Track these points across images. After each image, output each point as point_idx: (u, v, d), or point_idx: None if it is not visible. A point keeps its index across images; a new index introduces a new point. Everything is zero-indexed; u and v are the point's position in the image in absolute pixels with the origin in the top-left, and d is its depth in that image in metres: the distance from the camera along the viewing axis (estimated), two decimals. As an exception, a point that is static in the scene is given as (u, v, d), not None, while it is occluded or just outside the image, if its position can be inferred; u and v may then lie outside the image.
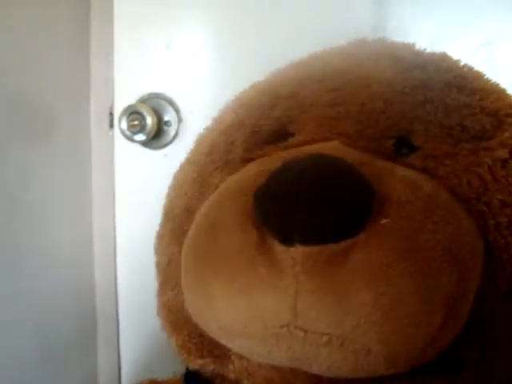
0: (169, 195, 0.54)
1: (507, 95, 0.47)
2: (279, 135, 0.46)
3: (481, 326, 0.39)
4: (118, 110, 0.82)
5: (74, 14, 0.84)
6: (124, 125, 0.78)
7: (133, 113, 0.77)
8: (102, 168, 0.86)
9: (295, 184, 0.34)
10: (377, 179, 0.36)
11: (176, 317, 0.49)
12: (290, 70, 0.52)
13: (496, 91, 0.47)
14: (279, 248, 0.34)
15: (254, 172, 0.41)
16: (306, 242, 0.33)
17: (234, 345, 0.41)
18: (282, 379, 0.45)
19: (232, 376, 0.48)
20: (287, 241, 0.34)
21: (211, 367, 0.49)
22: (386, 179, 0.37)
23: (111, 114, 0.85)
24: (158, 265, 0.53)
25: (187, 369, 0.53)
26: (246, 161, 0.46)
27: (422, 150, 0.42)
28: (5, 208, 0.72)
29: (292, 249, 0.34)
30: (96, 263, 0.88)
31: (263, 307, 0.35)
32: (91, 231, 0.88)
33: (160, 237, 0.53)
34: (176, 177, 0.54)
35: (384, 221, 0.35)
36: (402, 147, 0.42)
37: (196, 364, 0.50)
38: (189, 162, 0.53)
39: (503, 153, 0.41)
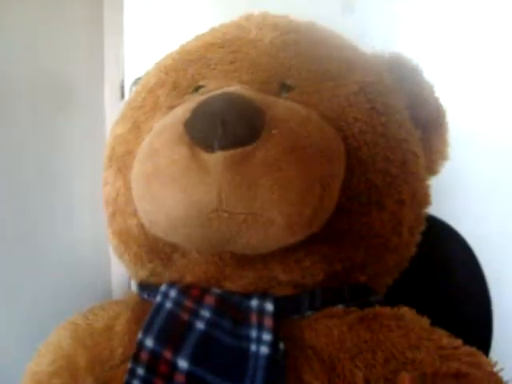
0: (109, 145, 0.65)
1: (355, 47, 0.64)
2: (194, 88, 0.60)
3: (348, 205, 0.54)
4: (129, 82, 0.95)
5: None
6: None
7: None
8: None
9: (213, 110, 0.48)
10: (267, 106, 0.50)
11: (127, 236, 0.61)
12: (195, 41, 0.67)
13: (349, 46, 0.64)
14: (205, 156, 0.46)
15: (181, 111, 0.53)
16: (223, 147, 0.46)
17: (179, 235, 0.52)
18: (215, 269, 0.57)
19: (176, 275, 0.59)
20: (211, 148, 0.46)
21: (159, 269, 0.61)
22: (273, 106, 0.51)
23: (122, 87, 0.99)
24: (106, 201, 0.64)
25: (139, 282, 0.66)
26: (171, 108, 0.58)
27: (297, 89, 0.57)
28: (37, 162, 0.89)
29: (214, 154, 0.46)
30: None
31: (198, 198, 0.47)
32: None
33: (106, 178, 0.64)
34: (113, 129, 0.66)
35: (274, 131, 0.48)
36: (283, 88, 0.57)
37: (147, 269, 0.62)
38: (123, 117, 0.66)
39: (355, 87, 0.57)
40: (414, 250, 0.62)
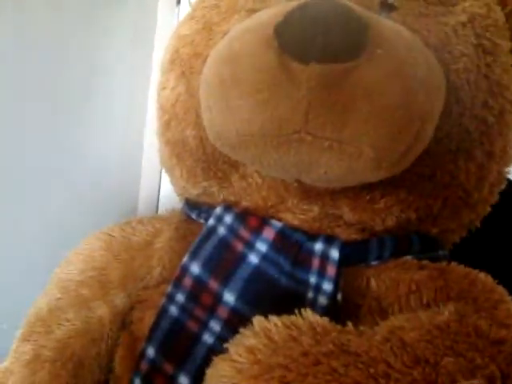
0: (172, 46, 0.57)
1: None
2: None
3: (435, 148, 0.48)
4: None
5: None
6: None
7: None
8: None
9: (314, 16, 0.40)
10: (373, 22, 0.42)
11: (182, 149, 0.55)
12: None
13: None
14: (297, 67, 0.39)
15: (268, 14, 0.45)
16: (320, 60, 0.39)
17: (248, 154, 0.45)
18: (277, 197, 0.52)
19: (232, 198, 0.54)
20: (305, 60, 0.39)
21: (213, 189, 0.55)
22: (378, 23, 0.43)
23: (179, -9, 0.91)
24: (162, 107, 0.57)
25: (186, 200, 0.61)
26: (252, 11, 0.50)
27: (401, 10, 0.49)
28: (85, 58, 0.84)
29: (308, 67, 0.39)
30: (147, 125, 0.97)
31: (281, 114, 0.40)
32: (146, 103, 0.96)
33: (165, 82, 0.57)
34: (178, 30, 0.58)
35: (379, 51, 0.40)
36: (384, 7, 0.50)
37: (199, 187, 0.56)
38: (192, 16, 0.57)
39: (463, 17, 0.50)
40: (488, 209, 0.56)
